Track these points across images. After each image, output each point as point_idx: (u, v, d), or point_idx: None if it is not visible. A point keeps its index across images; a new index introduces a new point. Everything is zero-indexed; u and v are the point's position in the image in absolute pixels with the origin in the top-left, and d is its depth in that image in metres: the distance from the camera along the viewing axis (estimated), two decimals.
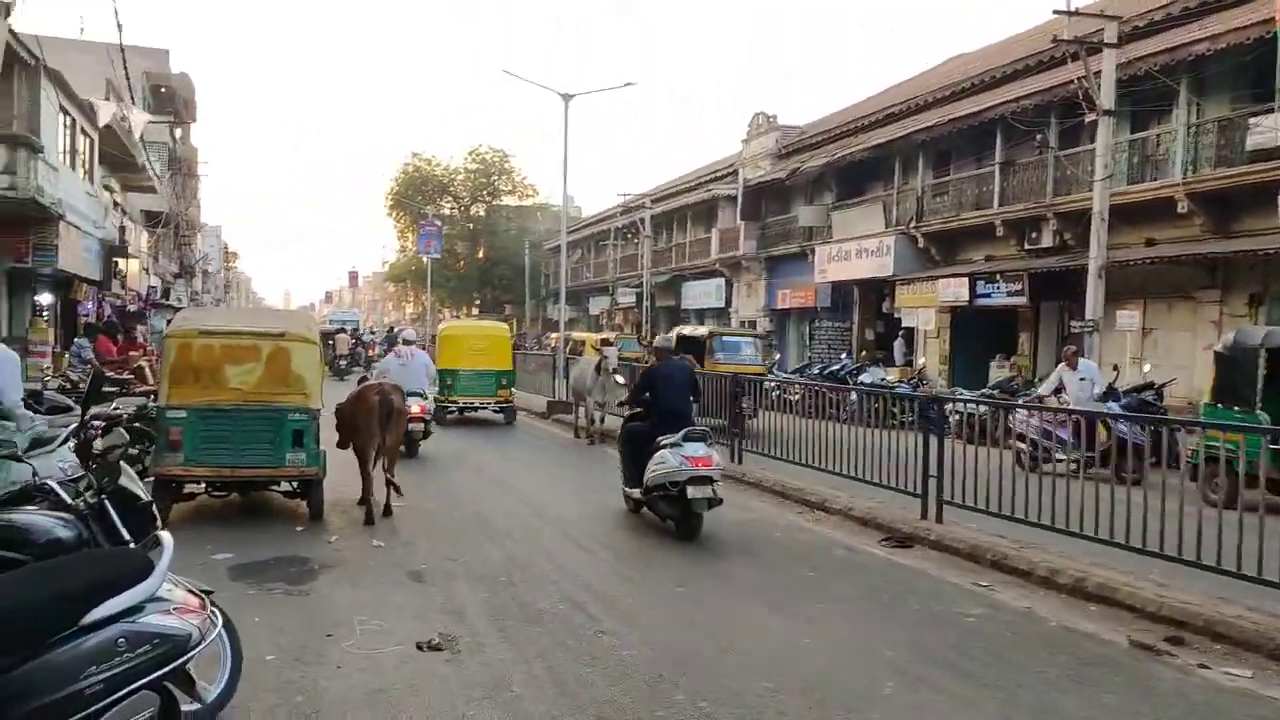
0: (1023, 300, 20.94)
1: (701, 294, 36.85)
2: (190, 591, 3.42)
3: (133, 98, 17.54)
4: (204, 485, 8.69)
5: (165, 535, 3.44)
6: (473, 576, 6.83)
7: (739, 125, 50.11)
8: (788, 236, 31.39)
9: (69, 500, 4.45)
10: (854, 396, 11.30)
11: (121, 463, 4.75)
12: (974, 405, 10.98)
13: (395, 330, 25.22)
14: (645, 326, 37.32)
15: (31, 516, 4.30)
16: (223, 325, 8.66)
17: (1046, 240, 20.90)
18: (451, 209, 58.97)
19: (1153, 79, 16.98)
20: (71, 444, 8.42)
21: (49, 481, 4.57)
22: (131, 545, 4.30)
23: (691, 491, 8.03)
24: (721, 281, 35.05)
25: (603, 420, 15.43)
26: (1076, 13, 17.13)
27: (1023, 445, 10.28)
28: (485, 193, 59.47)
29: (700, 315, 38.51)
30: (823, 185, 29.81)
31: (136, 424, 9.96)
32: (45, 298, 20.30)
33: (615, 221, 44.36)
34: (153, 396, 9.86)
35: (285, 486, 8.92)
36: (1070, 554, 7.12)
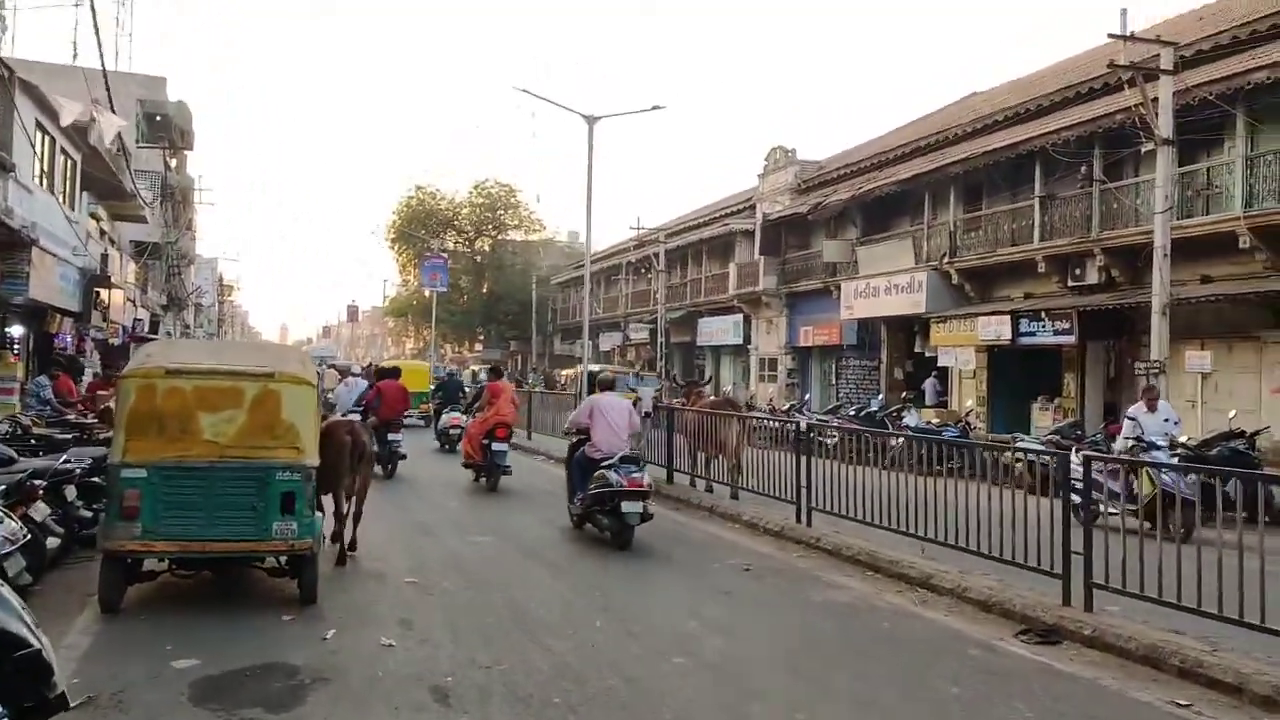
0: (1071, 339, 19.66)
1: (719, 330, 35.48)
2: None
3: (112, 107, 15.95)
4: (167, 562, 7.01)
5: None
6: (515, 697, 5.17)
7: (754, 159, 49.19)
8: (809, 272, 30.15)
9: None
10: (957, 452, 9.71)
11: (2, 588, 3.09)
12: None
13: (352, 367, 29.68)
14: (660, 364, 35.86)
15: None
16: (195, 362, 6.94)
17: (1092, 277, 19.68)
18: (456, 243, 57.75)
19: (1203, 109, 15.83)
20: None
21: None
22: None
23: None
24: (740, 318, 33.66)
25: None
26: (1133, 37, 16.00)
27: (1076, 497, 9.65)
28: (490, 227, 58.33)
29: (717, 352, 37.12)
30: (846, 220, 28.62)
31: (94, 478, 8.37)
32: (16, 329, 18.63)
33: (628, 255, 43.09)
34: None
35: (271, 563, 7.26)
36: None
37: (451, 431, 19.14)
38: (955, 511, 8.01)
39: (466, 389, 22.24)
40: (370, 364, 24.09)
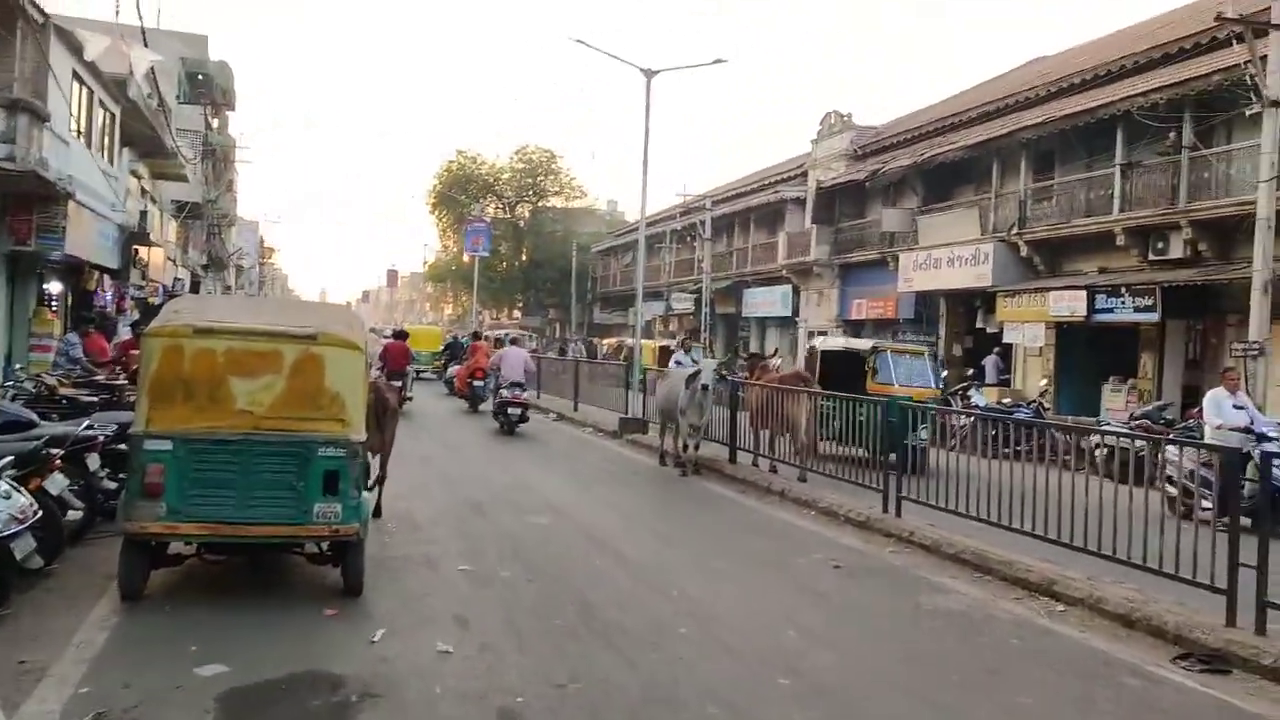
0: (1154, 316, 18.46)
1: (765, 301, 34.37)
2: None
3: (145, 41, 15.07)
4: (195, 546, 6.24)
5: None
6: None
7: (808, 125, 47.77)
8: (863, 242, 28.97)
9: None
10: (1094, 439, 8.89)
11: None
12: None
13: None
14: (704, 335, 34.86)
15: None
16: (228, 321, 6.06)
17: (1176, 250, 18.42)
18: (496, 209, 56.93)
19: None
20: (8, 476, 6.09)
21: None
22: None
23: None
24: (788, 289, 32.52)
25: (697, 447, 12.90)
26: None
27: (1172, 489, 9.18)
28: (531, 193, 57.37)
29: (763, 324, 36.07)
30: (905, 188, 27.38)
31: (121, 445, 7.62)
32: (54, 286, 18.05)
33: (672, 223, 41.97)
34: None
35: (311, 549, 6.48)
36: None
37: (453, 380, 24.42)
38: (1073, 507, 7.03)
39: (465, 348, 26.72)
40: (398, 328, 28.61)
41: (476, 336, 24.37)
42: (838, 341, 18.03)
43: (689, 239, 40.43)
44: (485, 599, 6.42)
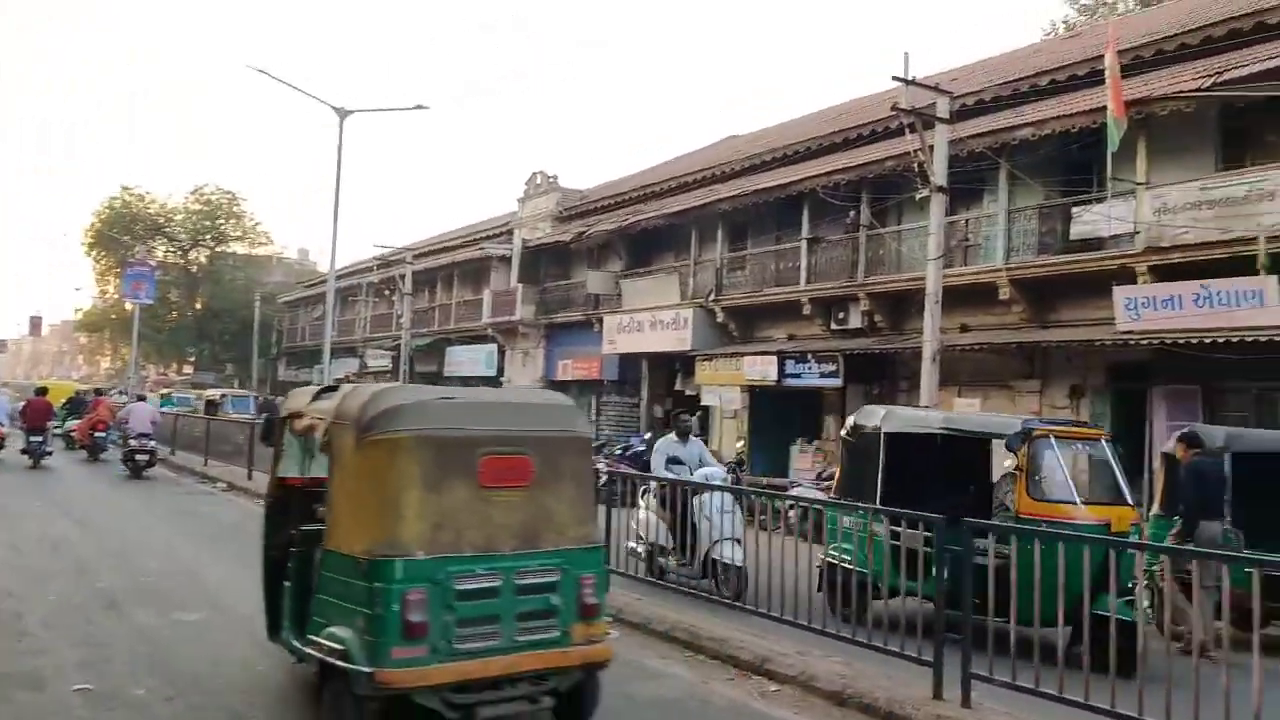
0: (837, 381, 19.69)
1: (470, 360, 33.43)
2: None
3: None
4: None
5: None
6: None
7: (513, 184, 47.74)
8: (569, 303, 29.04)
9: None
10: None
11: None
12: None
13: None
14: None
15: None
16: None
17: (855, 321, 19.88)
18: (167, 252, 51.71)
19: (970, 161, 16.28)
20: None
21: None
22: None
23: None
24: (493, 348, 31.85)
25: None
26: (914, 82, 16.15)
27: None
28: (209, 236, 52.73)
29: (466, 384, 35.02)
30: (610, 252, 27.88)
31: None
32: None
33: (369, 276, 40.02)
34: None
35: None
36: None
37: (72, 434, 24.67)
38: (782, 575, 6.78)
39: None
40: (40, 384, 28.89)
41: (99, 393, 27.48)
42: (922, 417, 10.32)
43: (388, 293, 38.76)
44: None
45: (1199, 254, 13.73)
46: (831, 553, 8.10)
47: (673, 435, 10.75)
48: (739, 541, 8.81)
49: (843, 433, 9.77)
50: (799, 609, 6.86)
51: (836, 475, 9.67)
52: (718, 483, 9.78)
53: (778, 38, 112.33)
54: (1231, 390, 14.42)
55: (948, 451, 9.38)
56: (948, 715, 5.53)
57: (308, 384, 34.64)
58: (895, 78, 15.64)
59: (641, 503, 10.25)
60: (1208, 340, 13.23)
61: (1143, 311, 14.31)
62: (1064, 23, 32.41)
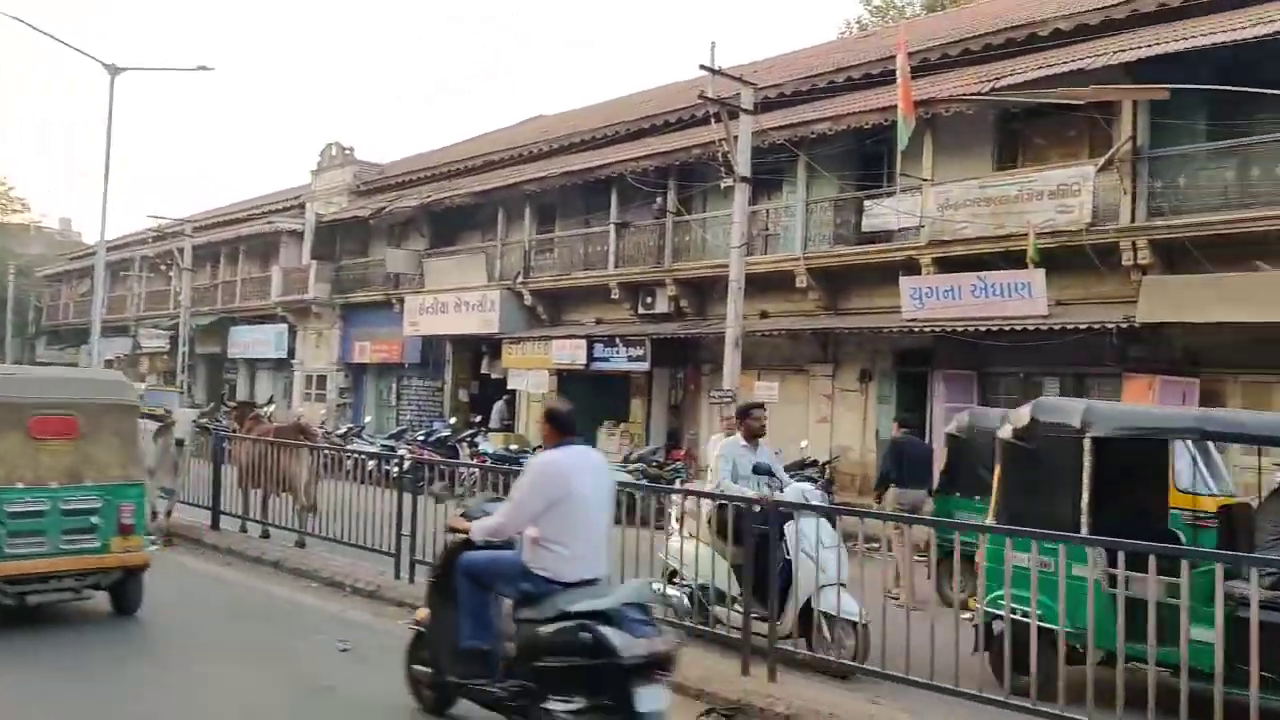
0: (645, 365, 19.90)
1: (257, 341, 31.42)
2: None
3: None
4: None
5: None
6: None
7: (307, 155, 45.15)
8: (367, 282, 27.82)
9: None
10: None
11: None
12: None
13: None
14: (181, 376, 30.85)
15: None
16: None
17: (662, 306, 20.16)
18: None
19: (771, 152, 16.79)
20: None
21: None
22: None
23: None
24: (284, 328, 30.04)
25: (169, 513, 10.60)
26: (720, 72, 16.43)
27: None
28: None
29: (253, 366, 32.99)
30: (412, 229, 26.90)
31: None
32: None
33: (143, 249, 36.83)
34: None
35: None
36: None
37: None
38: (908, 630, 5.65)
39: None
40: None
41: None
42: (1155, 415, 7.60)
43: (164, 268, 35.84)
44: None
45: (977, 247, 14.73)
46: (998, 602, 6.03)
47: (738, 436, 7.79)
48: (845, 586, 6.73)
49: (1001, 433, 7.04)
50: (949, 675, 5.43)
51: (995, 493, 6.98)
52: (816, 502, 7.24)
53: (580, 20, 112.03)
54: (1002, 375, 15.58)
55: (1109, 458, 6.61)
56: (755, 690, 5.55)
57: (73, 365, 31.67)
58: (702, 66, 15.83)
59: (674, 526, 7.70)
60: (983, 329, 14.28)
61: (926, 300, 15.26)
62: (858, 22, 33.97)
